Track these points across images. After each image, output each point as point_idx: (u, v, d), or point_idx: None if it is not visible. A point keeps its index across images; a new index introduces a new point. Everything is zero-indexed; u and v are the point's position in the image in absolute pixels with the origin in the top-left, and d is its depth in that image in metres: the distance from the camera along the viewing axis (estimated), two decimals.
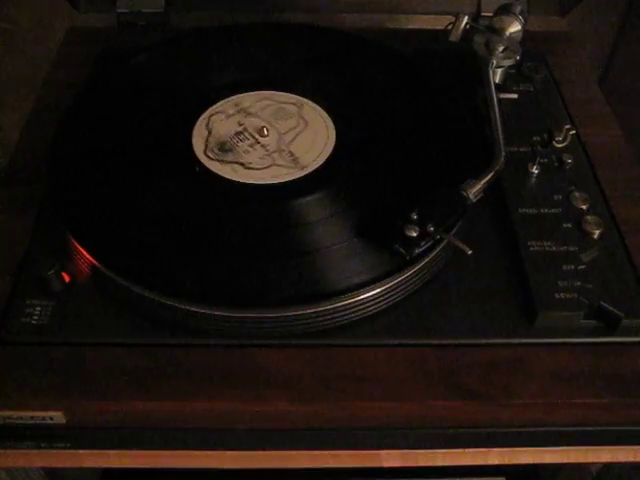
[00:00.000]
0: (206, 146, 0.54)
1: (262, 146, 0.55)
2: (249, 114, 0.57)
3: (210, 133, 0.55)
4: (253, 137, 0.56)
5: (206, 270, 0.47)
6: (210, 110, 0.57)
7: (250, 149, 0.54)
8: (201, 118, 0.57)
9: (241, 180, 0.52)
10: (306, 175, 0.53)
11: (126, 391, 0.45)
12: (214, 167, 0.53)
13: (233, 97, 0.59)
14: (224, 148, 0.54)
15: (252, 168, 0.53)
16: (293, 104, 0.59)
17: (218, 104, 0.58)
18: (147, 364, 0.46)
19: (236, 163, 0.53)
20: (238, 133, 0.56)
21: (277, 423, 0.46)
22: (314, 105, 0.59)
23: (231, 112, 0.57)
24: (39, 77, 0.67)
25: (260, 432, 0.47)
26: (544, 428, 0.48)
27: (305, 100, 0.59)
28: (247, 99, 0.59)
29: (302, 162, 0.54)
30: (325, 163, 0.54)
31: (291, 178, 0.53)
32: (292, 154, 0.55)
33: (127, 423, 0.46)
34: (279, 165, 0.54)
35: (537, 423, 0.47)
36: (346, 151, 0.54)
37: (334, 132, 0.57)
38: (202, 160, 0.53)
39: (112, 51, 0.69)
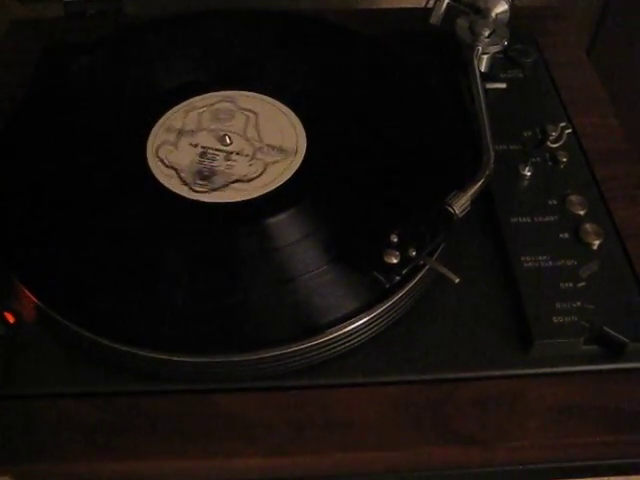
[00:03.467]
0: (186, 183, 0.48)
1: (238, 154, 0.49)
2: (192, 131, 0.51)
3: (176, 169, 0.48)
4: (220, 150, 0.50)
5: (164, 312, 0.42)
6: (151, 146, 0.50)
7: (231, 162, 0.49)
8: (150, 156, 0.49)
9: (249, 197, 0.47)
10: (305, 160, 0.49)
11: (79, 450, 0.40)
12: (215, 197, 0.47)
13: (160, 120, 0.52)
14: (204, 175, 0.48)
15: (252, 178, 0.48)
16: (223, 101, 0.53)
17: (151, 136, 0.51)
18: (102, 417, 0.41)
19: (233, 182, 0.47)
20: (202, 154, 0.49)
21: (249, 478, 0.42)
22: (246, 93, 0.54)
23: (172, 139, 0.50)
24: None
25: None
26: (543, 465, 0.44)
27: (233, 92, 0.54)
28: (175, 118, 0.52)
29: (288, 148, 0.49)
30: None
31: (296, 167, 0.48)
32: (272, 146, 0.50)
33: None
34: (273, 162, 0.49)
35: (536, 461, 0.43)
36: (314, 161, 0.49)
37: (290, 111, 0.52)
38: (198, 198, 0.47)
39: (57, 46, 0.63)
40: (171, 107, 0.53)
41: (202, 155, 0.49)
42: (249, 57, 0.57)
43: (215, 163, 0.49)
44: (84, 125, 0.52)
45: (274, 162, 0.49)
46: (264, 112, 0.52)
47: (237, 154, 0.49)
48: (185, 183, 0.47)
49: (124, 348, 0.41)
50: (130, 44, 0.58)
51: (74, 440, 0.41)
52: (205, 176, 0.48)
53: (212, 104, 0.53)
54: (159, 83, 0.55)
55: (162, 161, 0.49)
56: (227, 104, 0.53)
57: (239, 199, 0.47)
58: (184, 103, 0.54)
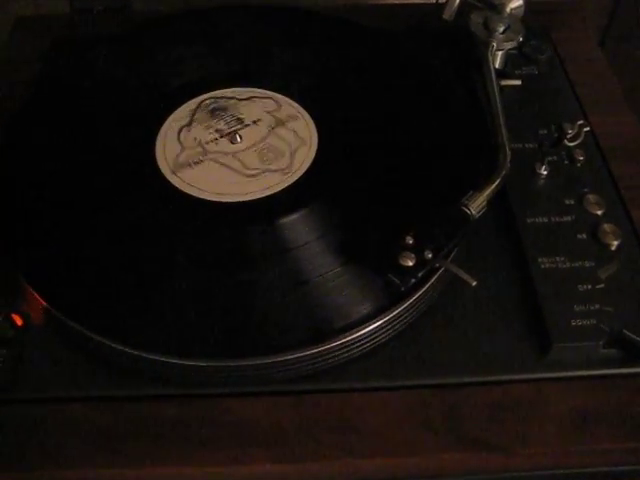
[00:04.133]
0: None
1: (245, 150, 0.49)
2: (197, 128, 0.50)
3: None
4: (225, 150, 0.49)
5: (174, 315, 0.41)
6: (161, 143, 0.50)
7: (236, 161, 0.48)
8: (159, 154, 0.49)
9: (250, 198, 0.46)
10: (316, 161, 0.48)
11: (87, 456, 0.39)
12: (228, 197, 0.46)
13: (171, 117, 0.51)
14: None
15: (252, 175, 0.47)
16: (232, 98, 0.52)
17: (161, 132, 0.50)
18: (110, 422, 0.41)
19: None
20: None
21: None
22: (255, 90, 0.53)
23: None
24: None
25: None
26: (562, 471, 0.43)
27: (243, 89, 0.53)
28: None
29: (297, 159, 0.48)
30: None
31: (304, 171, 0.47)
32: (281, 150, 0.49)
33: None
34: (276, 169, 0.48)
35: (554, 467, 0.42)
36: (326, 162, 0.48)
37: (304, 112, 0.51)
38: (206, 197, 0.46)
39: (66, 42, 0.62)
40: (182, 103, 0.52)
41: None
42: (260, 53, 0.56)
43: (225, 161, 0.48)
44: (92, 122, 0.52)
45: (283, 162, 0.48)
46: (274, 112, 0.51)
47: (244, 150, 0.49)
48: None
49: (134, 352, 0.40)
50: (138, 41, 0.57)
51: (82, 445, 0.40)
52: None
53: (220, 100, 0.52)
54: (169, 80, 0.54)
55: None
56: (233, 101, 0.52)
57: (249, 198, 0.46)
58: (194, 100, 0.52)
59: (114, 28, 0.63)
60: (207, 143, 0.49)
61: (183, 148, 0.49)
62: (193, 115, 0.51)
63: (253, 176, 0.47)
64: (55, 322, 0.43)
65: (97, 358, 0.42)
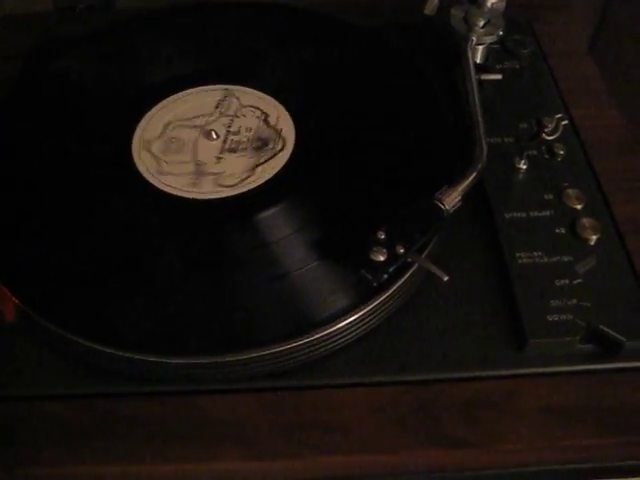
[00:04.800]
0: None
1: (226, 150, 0.48)
2: (179, 125, 0.50)
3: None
4: (207, 145, 0.49)
5: (146, 311, 0.41)
6: (138, 139, 0.49)
7: (220, 156, 0.48)
8: (135, 149, 0.48)
9: (235, 193, 0.45)
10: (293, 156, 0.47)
11: (59, 454, 0.39)
12: (203, 194, 0.46)
13: (149, 113, 0.51)
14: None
15: (238, 174, 0.47)
16: (213, 95, 0.52)
17: (139, 128, 0.50)
18: (82, 419, 0.40)
19: (218, 177, 0.46)
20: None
21: None
22: (237, 87, 0.53)
23: (159, 132, 0.49)
24: None
25: None
26: (538, 468, 0.42)
27: (225, 86, 0.53)
28: (166, 112, 0.51)
29: (275, 148, 0.48)
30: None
31: (283, 163, 0.47)
32: (260, 141, 0.49)
33: None
34: (259, 158, 0.47)
35: (530, 464, 0.42)
36: (302, 157, 0.47)
37: (279, 105, 0.51)
38: (183, 195, 0.46)
39: (48, 40, 0.62)
40: (162, 100, 0.52)
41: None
42: (243, 51, 0.55)
43: (201, 158, 0.48)
44: (72, 119, 0.51)
45: (261, 158, 0.47)
46: (253, 107, 0.51)
47: (225, 150, 0.48)
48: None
49: (106, 349, 0.40)
50: (120, 37, 0.57)
51: (53, 443, 0.40)
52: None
53: (202, 97, 0.52)
54: (149, 76, 0.54)
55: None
56: (216, 99, 0.52)
57: (225, 195, 0.45)
58: (174, 96, 0.52)
59: (97, 26, 0.62)
60: (185, 139, 0.49)
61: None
62: (173, 110, 0.51)
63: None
64: (28, 320, 0.42)
65: (70, 356, 0.42)
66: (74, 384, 0.41)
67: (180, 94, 0.52)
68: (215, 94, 0.52)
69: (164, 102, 0.52)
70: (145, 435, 0.40)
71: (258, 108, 0.51)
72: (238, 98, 0.52)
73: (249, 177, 0.46)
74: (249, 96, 0.52)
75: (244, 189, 0.46)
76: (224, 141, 0.49)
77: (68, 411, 0.41)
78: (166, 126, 0.50)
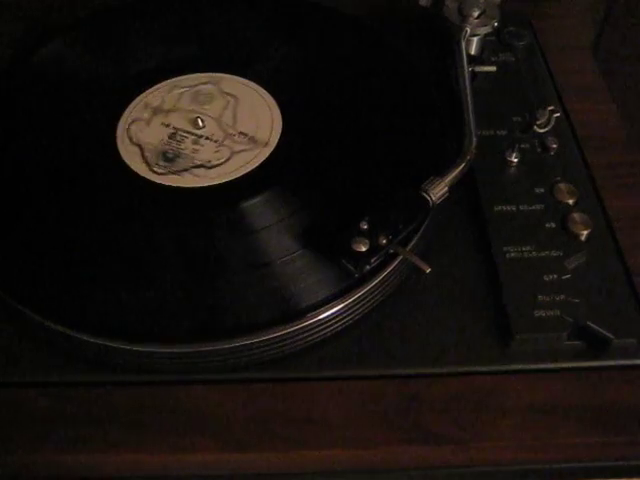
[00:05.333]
0: (147, 163, 0.46)
1: (207, 138, 0.47)
2: (168, 111, 0.49)
3: (141, 147, 0.46)
4: (191, 133, 0.48)
5: (124, 299, 0.40)
6: (123, 121, 0.48)
7: (198, 147, 0.47)
8: (119, 133, 0.48)
9: (210, 184, 0.44)
10: (274, 151, 0.46)
11: (34, 442, 0.38)
12: (171, 181, 0.45)
13: (139, 97, 0.50)
14: (168, 157, 0.45)
15: (215, 165, 0.45)
16: (206, 83, 0.51)
17: (127, 111, 0.49)
18: (58, 407, 0.40)
19: (194, 167, 0.45)
20: (172, 135, 0.47)
21: (207, 474, 0.40)
22: (232, 76, 0.51)
23: (146, 116, 0.48)
24: None
25: None
26: (521, 467, 0.41)
27: (220, 75, 0.52)
28: (156, 96, 0.50)
29: (260, 138, 0.47)
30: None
31: (262, 159, 0.46)
32: (244, 134, 0.47)
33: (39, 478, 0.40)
34: (239, 151, 0.46)
35: (512, 462, 0.41)
36: (284, 153, 0.47)
37: (272, 99, 0.50)
38: (153, 179, 0.45)
39: (39, 29, 0.61)
40: (152, 85, 0.51)
41: (171, 136, 0.47)
42: (238, 40, 0.54)
43: (182, 146, 0.47)
44: (58, 107, 0.51)
45: (241, 151, 0.46)
46: (245, 97, 0.50)
47: (206, 139, 0.47)
48: (146, 162, 0.45)
49: (80, 336, 0.39)
50: (111, 22, 0.56)
51: (29, 431, 0.39)
52: (168, 158, 0.46)
53: (194, 85, 0.51)
54: (139, 62, 0.53)
55: (130, 138, 0.47)
56: (209, 86, 0.51)
57: (209, 183, 0.45)
58: (166, 82, 0.51)
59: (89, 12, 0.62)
60: (169, 125, 0.48)
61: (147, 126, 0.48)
62: (164, 96, 0.50)
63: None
64: (4, 306, 0.42)
65: (46, 344, 0.41)
66: (50, 372, 0.41)
67: (170, 81, 0.51)
68: (199, 80, 0.52)
69: (150, 90, 0.51)
70: (121, 425, 0.39)
71: (239, 97, 0.50)
72: (222, 86, 0.51)
73: (234, 166, 0.45)
74: (234, 84, 0.51)
75: (229, 178, 0.45)
76: (209, 130, 0.48)
77: (43, 398, 0.40)
78: (153, 114, 0.49)
